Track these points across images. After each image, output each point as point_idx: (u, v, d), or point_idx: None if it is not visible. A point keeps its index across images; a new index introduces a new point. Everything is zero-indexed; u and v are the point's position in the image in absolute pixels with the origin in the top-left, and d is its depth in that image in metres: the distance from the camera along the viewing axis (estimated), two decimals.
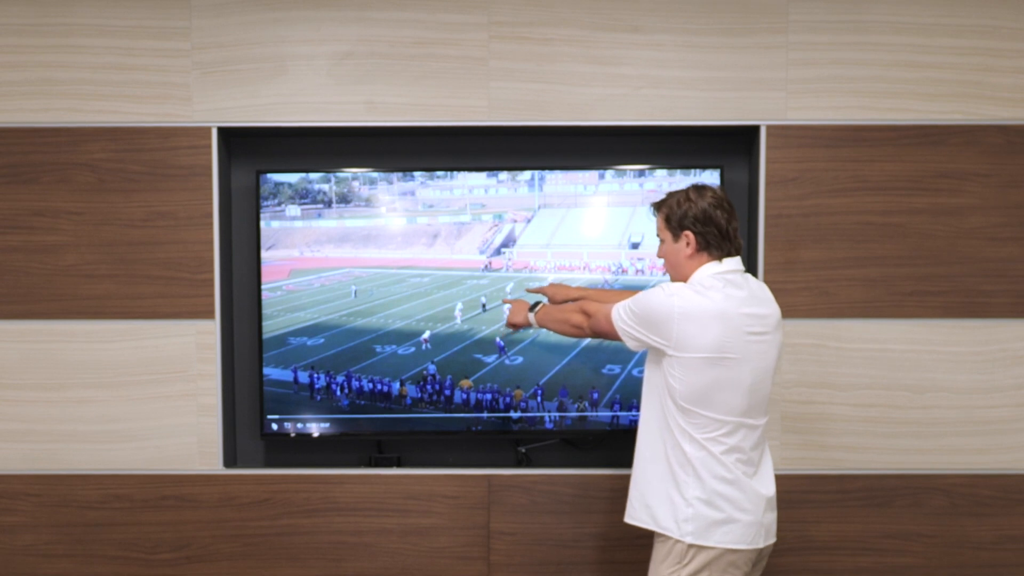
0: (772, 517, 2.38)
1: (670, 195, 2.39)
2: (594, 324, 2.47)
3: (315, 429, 3.14)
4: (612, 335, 2.42)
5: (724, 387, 2.27)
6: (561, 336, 3.08)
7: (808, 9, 2.98)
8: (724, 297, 2.28)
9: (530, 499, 3.05)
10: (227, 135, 3.12)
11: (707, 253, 2.33)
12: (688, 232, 2.32)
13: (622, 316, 2.37)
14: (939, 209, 3.00)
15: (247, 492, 3.06)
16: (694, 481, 2.29)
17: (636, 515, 2.42)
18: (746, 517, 2.30)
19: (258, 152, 3.20)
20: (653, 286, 2.37)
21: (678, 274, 2.39)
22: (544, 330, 3.09)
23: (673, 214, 2.35)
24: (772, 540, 2.39)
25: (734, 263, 2.35)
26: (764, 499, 2.33)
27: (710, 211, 2.31)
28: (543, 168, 3.09)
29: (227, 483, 3.06)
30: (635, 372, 3.12)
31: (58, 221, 3.02)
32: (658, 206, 2.42)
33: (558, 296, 2.79)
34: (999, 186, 2.99)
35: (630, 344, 2.39)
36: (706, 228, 2.31)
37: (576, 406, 3.13)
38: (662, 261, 2.45)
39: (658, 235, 2.43)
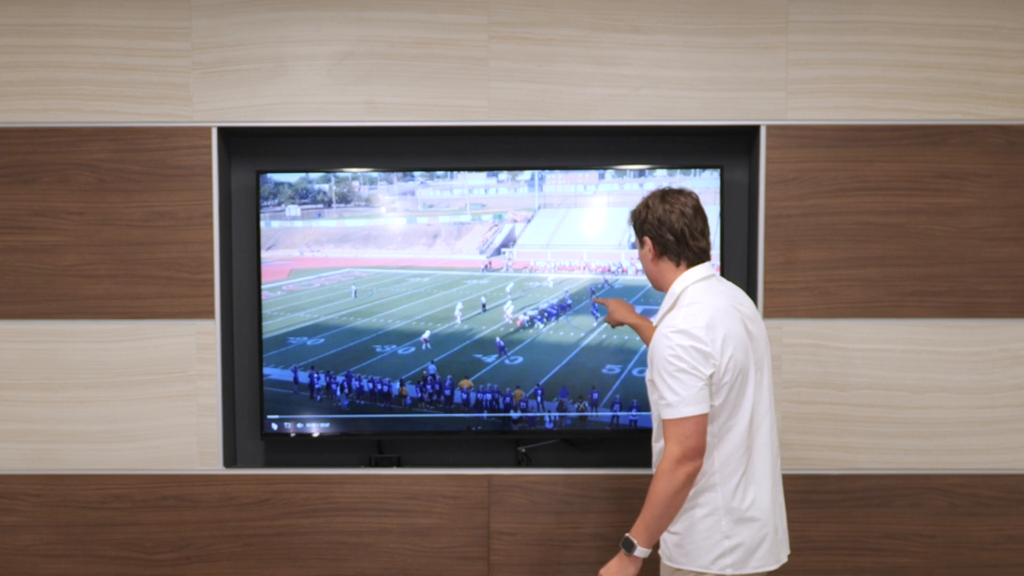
0: (783, 520, 2.34)
1: (640, 201, 2.38)
2: (684, 444, 2.17)
3: (315, 429, 3.14)
4: (695, 427, 2.16)
5: (747, 394, 2.23)
6: (561, 336, 3.10)
7: (808, 9, 2.98)
8: (725, 300, 2.26)
9: (530, 499, 3.05)
10: (227, 135, 3.12)
11: (667, 258, 2.31)
12: (646, 237, 2.32)
13: (677, 391, 2.16)
14: (939, 209, 3.00)
15: (247, 492, 3.06)
16: (724, 511, 2.23)
17: (670, 554, 2.29)
18: (765, 530, 2.26)
19: (258, 152, 3.20)
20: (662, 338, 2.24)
21: (653, 280, 2.37)
22: (545, 329, 3.10)
23: (636, 219, 2.35)
24: (787, 551, 2.36)
25: (707, 269, 2.31)
26: (772, 505, 2.31)
27: (665, 217, 2.28)
28: (543, 168, 3.09)
29: (227, 483, 3.06)
30: (635, 372, 3.12)
31: (58, 221, 3.02)
32: (631, 213, 2.41)
33: (619, 314, 2.73)
34: (999, 186, 2.99)
35: (709, 402, 2.19)
36: (660, 233, 2.29)
37: (576, 406, 3.13)
38: None
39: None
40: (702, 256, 2.32)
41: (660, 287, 2.37)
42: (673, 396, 2.16)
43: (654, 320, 2.37)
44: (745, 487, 2.24)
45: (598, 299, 2.96)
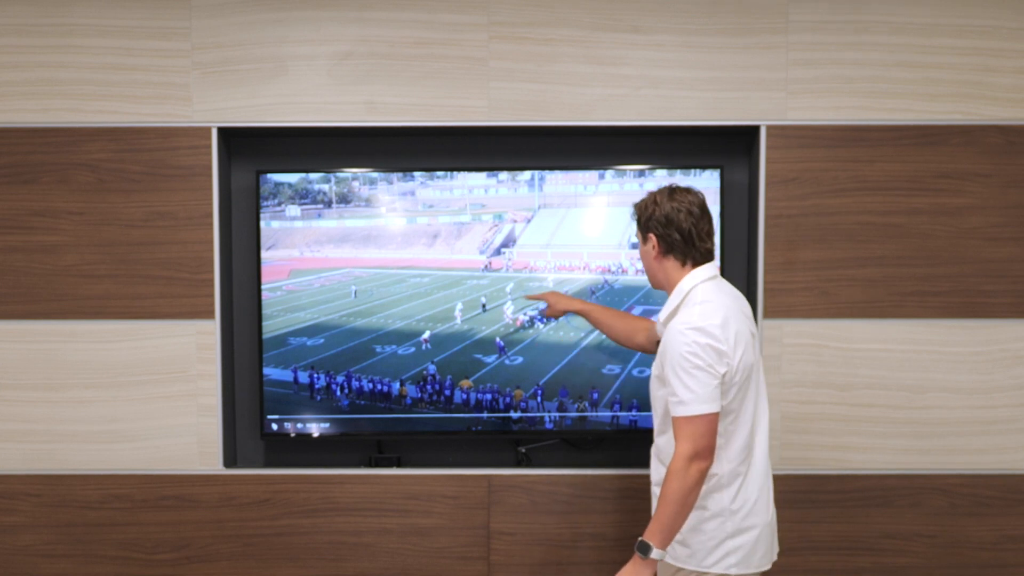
0: (774, 519, 2.36)
1: (645, 196, 2.36)
2: (696, 443, 2.15)
3: (315, 429, 3.14)
4: (708, 426, 2.16)
5: (749, 395, 2.24)
6: (561, 336, 3.10)
7: (808, 9, 2.98)
8: (731, 300, 2.26)
9: (530, 499, 3.05)
10: (227, 135, 3.12)
11: (673, 256, 2.29)
12: (651, 234, 2.31)
13: (691, 388, 2.15)
14: (939, 209, 3.00)
15: (247, 492, 3.06)
16: (729, 512, 2.24)
17: (674, 553, 2.28)
18: (765, 530, 2.27)
19: (258, 152, 3.20)
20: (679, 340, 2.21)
21: (653, 277, 2.37)
22: (545, 329, 3.10)
23: (641, 215, 2.33)
24: (777, 548, 2.37)
25: (713, 269, 2.31)
26: (768, 505, 2.31)
27: (673, 215, 2.26)
28: (543, 168, 3.09)
29: (227, 483, 3.06)
30: (635, 372, 3.12)
31: (58, 221, 3.02)
32: (634, 207, 2.39)
33: (560, 305, 2.78)
34: (999, 186, 2.99)
35: (720, 401, 2.18)
36: (667, 231, 2.27)
37: (576, 406, 3.13)
38: None
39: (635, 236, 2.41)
40: (708, 257, 2.31)
41: (658, 285, 2.37)
42: (687, 393, 2.15)
43: (658, 318, 2.35)
44: (747, 488, 2.25)
45: (529, 296, 2.98)
